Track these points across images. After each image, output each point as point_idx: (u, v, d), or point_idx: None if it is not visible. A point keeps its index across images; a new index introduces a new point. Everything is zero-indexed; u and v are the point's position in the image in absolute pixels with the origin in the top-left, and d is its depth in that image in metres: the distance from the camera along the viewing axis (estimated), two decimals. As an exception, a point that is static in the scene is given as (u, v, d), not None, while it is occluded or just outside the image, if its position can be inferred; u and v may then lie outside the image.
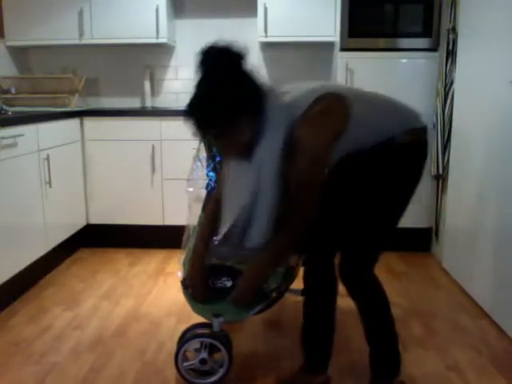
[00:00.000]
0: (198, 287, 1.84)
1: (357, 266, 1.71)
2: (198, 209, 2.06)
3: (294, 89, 1.61)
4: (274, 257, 1.67)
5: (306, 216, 1.58)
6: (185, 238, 2.08)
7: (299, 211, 1.58)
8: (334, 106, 1.56)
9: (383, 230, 1.70)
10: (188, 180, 2.13)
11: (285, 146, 1.52)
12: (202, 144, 2.05)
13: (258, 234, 1.62)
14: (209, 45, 1.51)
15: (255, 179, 1.57)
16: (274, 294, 1.87)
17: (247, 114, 1.52)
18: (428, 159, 3.32)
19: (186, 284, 1.88)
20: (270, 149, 1.53)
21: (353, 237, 1.71)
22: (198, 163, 2.08)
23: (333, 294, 1.81)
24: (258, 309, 1.91)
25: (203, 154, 2.06)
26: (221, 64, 1.50)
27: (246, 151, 1.57)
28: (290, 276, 2.07)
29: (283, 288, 2.09)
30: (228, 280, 1.85)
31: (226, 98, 1.49)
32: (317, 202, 1.56)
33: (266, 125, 1.53)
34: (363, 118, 1.58)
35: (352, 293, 1.74)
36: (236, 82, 1.50)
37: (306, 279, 1.84)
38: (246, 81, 1.53)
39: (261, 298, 1.83)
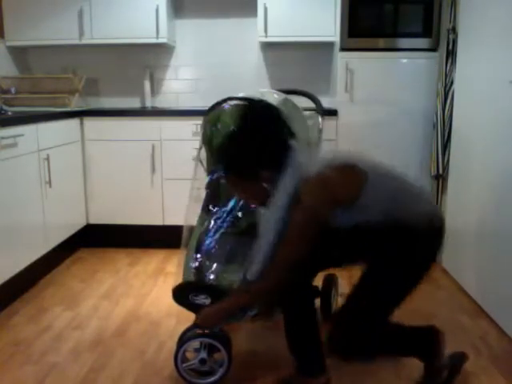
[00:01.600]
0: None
1: (345, 342, 1.66)
2: (197, 208, 2.06)
3: (322, 154, 1.71)
4: (243, 302, 1.74)
5: (274, 276, 1.60)
6: (184, 237, 2.08)
7: (272, 269, 1.60)
8: (345, 174, 1.58)
9: (379, 310, 1.65)
10: (192, 180, 2.13)
11: (292, 200, 1.57)
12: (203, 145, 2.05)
13: (254, 272, 1.68)
14: (253, 101, 1.68)
15: (267, 225, 1.64)
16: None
17: (270, 169, 1.60)
18: (428, 159, 3.34)
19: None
20: (280, 199, 1.59)
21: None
22: (199, 163, 2.08)
23: (310, 304, 1.82)
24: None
25: (203, 155, 2.05)
26: (260, 122, 1.62)
27: (263, 199, 1.65)
28: None
29: None
30: (206, 298, 1.85)
31: (256, 153, 1.59)
32: (292, 268, 1.57)
33: (283, 177, 1.59)
34: (379, 195, 1.58)
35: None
36: (269, 141, 1.60)
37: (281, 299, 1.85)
38: (278, 140, 1.62)
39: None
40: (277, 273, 1.60)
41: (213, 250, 1.92)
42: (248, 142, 1.60)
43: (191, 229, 2.02)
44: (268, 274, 1.61)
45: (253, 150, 1.59)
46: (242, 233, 1.91)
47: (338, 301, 2.47)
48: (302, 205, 1.53)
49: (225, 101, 1.94)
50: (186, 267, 1.94)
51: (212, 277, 1.87)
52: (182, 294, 1.90)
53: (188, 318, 2.42)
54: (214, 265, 1.89)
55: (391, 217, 1.58)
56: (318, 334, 1.83)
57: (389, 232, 1.59)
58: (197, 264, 1.91)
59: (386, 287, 1.63)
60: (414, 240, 1.61)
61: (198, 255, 1.92)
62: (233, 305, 1.74)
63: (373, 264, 1.66)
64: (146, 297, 2.77)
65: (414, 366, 1.95)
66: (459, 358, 1.88)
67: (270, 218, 1.63)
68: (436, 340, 1.79)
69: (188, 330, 2.02)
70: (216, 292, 1.83)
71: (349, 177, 1.58)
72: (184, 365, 1.90)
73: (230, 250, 1.90)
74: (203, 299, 1.85)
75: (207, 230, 1.96)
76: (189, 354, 1.95)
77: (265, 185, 1.61)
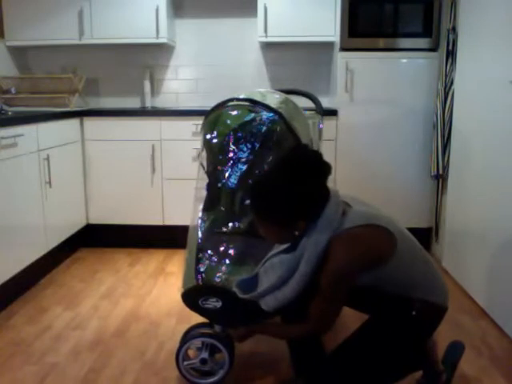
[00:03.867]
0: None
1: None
2: (199, 208, 2.05)
3: (355, 203, 1.63)
4: (278, 335, 1.78)
5: (317, 327, 1.59)
6: (189, 238, 2.07)
7: (314, 321, 1.58)
8: (377, 237, 1.54)
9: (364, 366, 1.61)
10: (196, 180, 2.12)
11: (322, 254, 1.53)
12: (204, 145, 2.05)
13: (267, 305, 1.66)
14: (303, 148, 1.60)
15: (289, 269, 1.59)
16: None
17: (308, 219, 1.54)
18: (428, 159, 3.35)
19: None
20: (311, 250, 1.54)
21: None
22: (200, 163, 2.08)
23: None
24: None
25: (204, 154, 2.05)
26: (306, 169, 1.52)
27: (286, 242, 1.63)
28: None
29: None
30: (217, 301, 1.84)
31: (299, 206, 1.52)
32: (333, 316, 1.57)
33: (316, 226, 1.53)
34: (403, 268, 1.56)
35: None
36: (310, 191, 1.52)
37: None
38: (319, 191, 1.55)
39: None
40: (322, 324, 1.58)
41: (215, 252, 1.91)
42: (293, 194, 1.50)
43: (194, 229, 2.02)
44: (313, 323, 1.59)
45: (296, 203, 1.51)
46: (244, 232, 1.91)
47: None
48: (332, 262, 1.49)
49: (226, 102, 1.93)
50: (189, 269, 1.93)
51: (220, 279, 1.86)
52: (191, 300, 1.89)
53: (188, 317, 2.42)
54: (220, 267, 1.88)
55: (406, 294, 1.56)
56: (321, 343, 1.83)
57: (397, 305, 1.58)
58: (202, 267, 1.90)
59: (375, 345, 1.60)
60: (416, 324, 1.59)
61: (202, 257, 1.91)
62: (274, 334, 1.77)
63: (372, 318, 1.65)
64: (146, 297, 2.77)
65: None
66: (455, 352, 1.87)
67: (297, 268, 1.57)
68: (427, 355, 1.79)
69: (192, 328, 2.02)
70: (227, 294, 1.81)
71: (381, 241, 1.54)
72: (185, 363, 1.90)
73: (234, 251, 1.89)
74: (214, 302, 1.84)
75: (209, 231, 1.96)
76: (191, 353, 1.95)
77: (296, 232, 1.57)
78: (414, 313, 1.56)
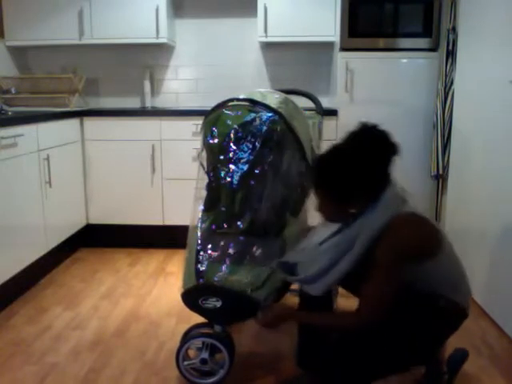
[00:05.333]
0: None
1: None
2: (198, 208, 2.05)
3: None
4: (324, 324, 1.67)
5: (369, 310, 1.53)
6: (189, 237, 2.07)
7: (366, 303, 1.54)
8: (433, 228, 1.54)
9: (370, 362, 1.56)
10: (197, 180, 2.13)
11: (377, 236, 1.51)
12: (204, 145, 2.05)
13: (316, 289, 1.63)
14: (372, 125, 1.56)
15: (341, 251, 1.57)
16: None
17: (366, 199, 1.53)
18: (428, 159, 3.34)
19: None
20: (369, 231, 1.52)
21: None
22: (200, 163, 2.08)
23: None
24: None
25: (204, 154, 2.05)
26: (373, 147, 1.51)
27: (338, 220, 1.62)
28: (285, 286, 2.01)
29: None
30: (217, 301, 1.83)
31: (361, 183, 1.51)
32: (385, 299, 1.50)
33: (376, 208, 1.52)
34: (443, 269, 1.55)
35: None
36: (374, 169, 1.51)
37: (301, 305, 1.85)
38: (383, 171, 1.54)
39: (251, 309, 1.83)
40: (373, 314, 1.52)
41: (215, 251, 1.91)
42: (358, 170, 1.49)
43: (194, 229, 2.02)
44: (363, 314, 1.53)
45: (359, 179, 1.50)
46: (244, 232, 1.91)
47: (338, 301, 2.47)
48: (392, 238, 1.47)
49: (226, 102, 1.93)
50: (189, 269, 1.93)
51: (220, 279, 1.85)
52: (191, 299, 1.89)
53: (188, 317, 2.42)
54: (220, 267, 1.88)
55: (434, 291, 1.55)
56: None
57: (423, 300, 1.56)
58: (202, 267, 1.89)
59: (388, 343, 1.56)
60: (441, 318, 1.57)
61: (202, 257, 1.91)
62: (320, 323, 1.68)
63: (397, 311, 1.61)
64: (146, 297, 2.77)
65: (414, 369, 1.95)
66: (460, 357, 1.87)
67: (351, 247, 1.54)
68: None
69: (193, 328, 2.02)
70: (227, 294, 1.81)
71: (435, 231, 1.54)
72: (185, 363, 1.90)
73: (234, 251, 1.89)
74: (214, 302, 1.84)
75: (208, 231, 1.96)
76: (192, 353, 1.95)
77: (352, 210, 1.55)
78: (442, 304, 1.54)
